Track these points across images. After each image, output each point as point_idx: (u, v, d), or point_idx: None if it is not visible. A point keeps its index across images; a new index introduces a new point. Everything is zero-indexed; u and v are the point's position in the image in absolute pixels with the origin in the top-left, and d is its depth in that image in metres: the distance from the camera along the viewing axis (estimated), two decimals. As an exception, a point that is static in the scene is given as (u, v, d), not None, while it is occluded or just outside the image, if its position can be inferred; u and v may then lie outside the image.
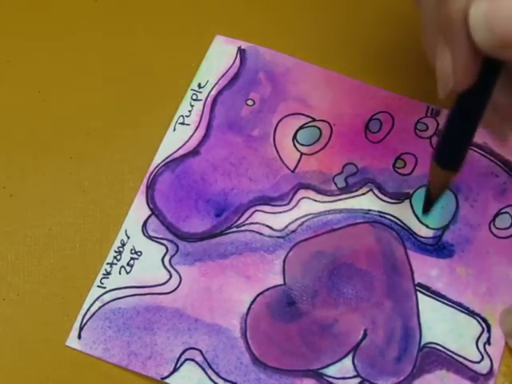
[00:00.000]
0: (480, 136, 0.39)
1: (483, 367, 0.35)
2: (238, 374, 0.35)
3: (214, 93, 0.41)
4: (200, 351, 0.35)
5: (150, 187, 0.39)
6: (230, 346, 0.35)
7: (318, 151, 0.39)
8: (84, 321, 0.36)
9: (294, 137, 0.40)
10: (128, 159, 0.39)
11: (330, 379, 0.35)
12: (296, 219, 0.38)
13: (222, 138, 0.40)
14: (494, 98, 0.29)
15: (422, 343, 0.36)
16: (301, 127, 0.40)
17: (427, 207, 0.36)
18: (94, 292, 0.36)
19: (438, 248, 0.37)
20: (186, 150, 0.39)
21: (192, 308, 0.36)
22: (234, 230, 0.38)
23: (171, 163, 0.39)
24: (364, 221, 0.38)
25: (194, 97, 0.40)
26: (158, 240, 0.37)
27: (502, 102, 0.31)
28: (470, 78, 0.28)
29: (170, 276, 0.37)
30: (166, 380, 0.35)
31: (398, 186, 0.39)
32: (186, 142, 0.40)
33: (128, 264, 0.37)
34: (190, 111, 0.40)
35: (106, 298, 0.36)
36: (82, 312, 0.36)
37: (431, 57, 0.30)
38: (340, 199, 0.38)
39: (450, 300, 0.36)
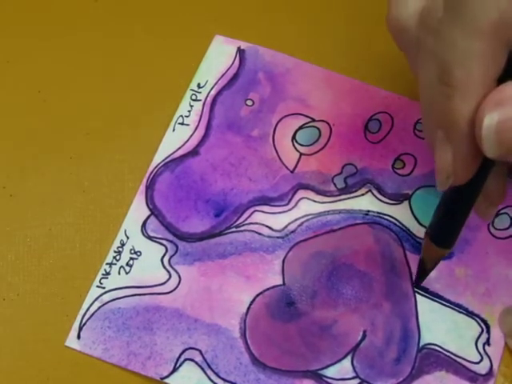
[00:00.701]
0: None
1: (483, 368, 0.35)
2: (237, 374, 0.35)
3: (213, 93, 0.41)
4: (199, 351, 0.35)
5: (150, 187, 0.39)
6: (229, 346, 0.36)
7: (318, 151, 0.39)
8: (83, 321, 0.36)
9: (294, 137, 0.40)
10: (128, 159, 0.39)
11: (329, 380, 0.35)
12: (295, 219, 0.38)
13: (222, 138, 0.40)
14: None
15: (421, 344, 0.36)
16: (300, 127, 0.40)
17: (420, 279, 0.36)
18: (94, 292, 0.37)
19: (437, 249, 0.37)
20: (185, 150, 0.39)
21: (191, 308, 0.36)
22: (234, 230, 0.38)
23: (171, 163, 0.39)
24: (363, 222, 0.38)
25: (194, 97, 0.40)
26: (158, 240, 0.38)
27: (489, 187, 0.32)
28: (470, 174, 0.28)
29: (170, 276, 0.37)
30: (166, 380, 0.35)
31: (397, 186, 0.38)
32: (186, 142, 0.40)
33: (127, 264, 0.37)
34: (189, 111, 0.40)
35: (106, 298, 0.36)
36: (82, 312, 0.36)
37: (429, 141, 0.29)
38: (339, 200, 0.38)
39: (448, 301, 0.36)
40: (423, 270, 0.36)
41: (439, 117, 0.28)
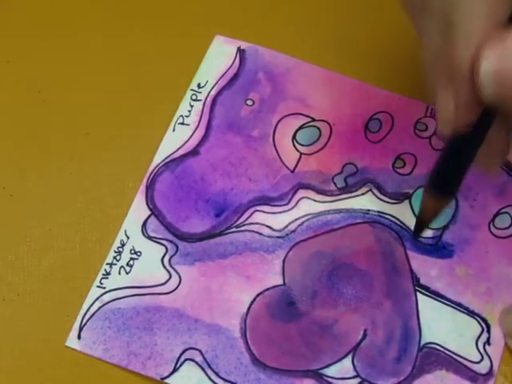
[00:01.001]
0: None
1: (483, 367, 0.35)
2: (237, 374, 0.35)
3: (213, 93, 0.41)
4: (200, 351, 0.35)
5: (150, 187, 0.39)
6: (229, 346, 0.35)
7: (318, 151, 0.39)
8: (84, 321, 0.36)
9: (294, 137, 0.40)
10: (128, 159, 0.39)
11: (330, 379, 0.35)
12: (296, 219, 0.38)
13: (222, 138, 0.40)
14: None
15: (422, 343, 0.36)
16: (300, 127, 0.40)
17: (418, 231, 0.36)
18: (94, 292, 0.36)
19: (438, 248, 0.37)
20: (185, 150, 0.39)
21: (192, 308, 0.36)
22: (234, 230, 0.38)
23: (171, 163, 0.39)
24: (364, 221, 0.38)
25: (194, 97, 0.40)
26: (158, 240, 0.37)
27: (492, 136, 0.32)
28: (471, 121, 0.28)
29: (170, 276, 0.37)
30: (166, 380, 0.35)
31: (397, 185, 0.39)
32: (186, 142, 0.40)
33: (128, 264, 0.37)
34: (189, 111, 0.40)
35: (106, 298, 0.36)
36: (82, 312, 0.36)
37: (431, 90, 0.30)
38: (340, 199, 0.38)
39: (449, 300, 0.36)
40: (422, 223, 0.36)
41: (442, 67, 0.28)
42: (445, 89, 0.29)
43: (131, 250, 0.37)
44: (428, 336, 0.36)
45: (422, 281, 0.37)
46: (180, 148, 0.39)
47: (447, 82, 0.28)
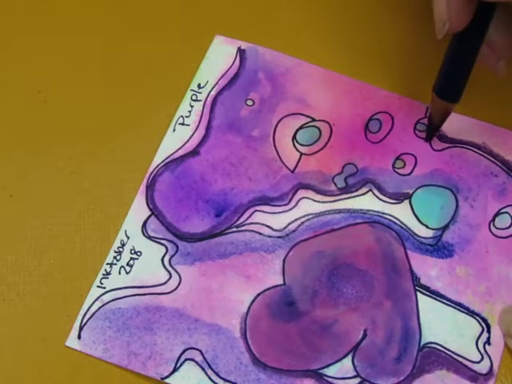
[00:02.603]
0: (479, 136, 0.39)
1: (483, 367, 0.35)
2: (237, 374, 0.35)
3: (213, 93, 0.41)
4: (200, 351, 0.35)
5: (150, 187, 0.39)
6: (229, 346, 0.36)
7: (318, 151, 0.39)
8: (84, 321, 0.36)
9: (294, 137, 0.40)
10: (128, 159, 0.39)
11: (330, 379, 0.35)
12: (296, 219, 0.38)
13: (222, 139, 0.40)
14: (489, 34, 0.31)
15: (422, 343, 0.36)
16: (300, 127, 0.40)
17: (430, 135, 0.39)
18: (94, 292, 0.36)
19: (438, 248, 0.37)
20: (185, 151, 0.39)
21: (192, 308, 0.36)
22: (234, 229, 0.38)
23: (171, 163, 0.39)
24: (364, 221, 0.38)
25: (194, 97, 0.40)
26: (158, 240, 0.38)
27: (497, 39, 0.33)
28: (465, 21, 0.30)
29: (170, 276, 0.37)
30: (166, 380, 0.35)
31: (397, 186, 0.39)
32: (186, 142, 0.40)
33: (128, 264, 0.37)
34: (189, 111, 0.40)
35: (106, 298, 0.36)
36: (82, 312, 0.36)
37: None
38: (340, 199, 0.38)
39: (449, 300, 0.36)
40: (432, 127, 0.38)
41: None
42: None
43: (131, 250, 0.37)
44: (428, 336, 0.36)
45: (422, 281, 0.37)
46: (180, 148, 0.39)
47: None
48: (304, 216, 0.38)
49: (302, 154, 0.39)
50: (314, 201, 0.38)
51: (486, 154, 0.39)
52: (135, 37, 0.42)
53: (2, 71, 0.42)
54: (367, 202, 0.38)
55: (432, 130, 0.38)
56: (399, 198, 0.38)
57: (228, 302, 0.36)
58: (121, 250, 0.37)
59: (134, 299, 0.36)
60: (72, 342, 0.36)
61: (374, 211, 0.38)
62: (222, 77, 0.41)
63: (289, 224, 0.38)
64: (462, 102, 0.36)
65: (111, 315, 0.36)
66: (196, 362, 0.35)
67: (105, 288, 0.37)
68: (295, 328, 0.36)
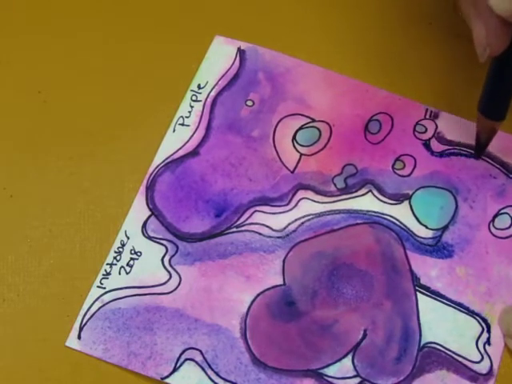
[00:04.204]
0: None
1: (483, 367, 0.35)
2: (237, 374, 0.35)
3: (213, 93, 0.41)
4: (200, 351, 0.35)
5: (150, 188, 0.39)
6: (229, 346, 0.36)
7: (318, 152, 0.39)
8: (84, 321, 0.36)
9: (294, 137, 0.40)
10: (128, 159, 0.39)
11: (330, 379, 0.35)
12: (295, 219, 0.38)
13: (222, 139, 0.40)
14: None
15: (422, 343, 0.36)
16: (300, 128, 0.40)
17: (478, 153, 0.39)
18: (94, 292, 0.36)
19: (438, 248, 0.37)
20: (185, 151, 0.39)
21: (192, 308, 0.36)
22: (234, 230, 0.38)
23: (171, 164, 0.39)
24: (363, 221, 0.38)
25: (194, 98, 0.40)
26: (158, 240, 0.38)
27: None
28: (504, 44, 0.31)
29: (170, 276, 0.37)
30: (166, 380, 0.35)
31: (397, 187, 0.39)
32: (186, 142, 0.40)
33: (128, 264, 0.37)
34: (189, 112, 0.40)
35: (106, 298, 0.36)
36: (82, 312, 0.36)
37: (468, 24, 0.34)
38: (339, 200, 0.38)
39: (449, 300, 0.36)
40: (480, 145, 0.38)
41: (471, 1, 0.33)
42: (476, 20, 0.32)
43: (131, 250, 0.37)
44: (428, 336, 0.36)
45: (422, 281, 0.37)
46: (180, 149, 0.39)
47: (476, 12, 0.32)
48: (304, 216, 0.38)
49: (301, 154, 0.39)
50: (314, 201, 0.38)
51: (484, 157, 0.39)
52: (135, 37, 0.42)
53: (1, 71, 0.42)
54: (367, 202, 0.38)
55: (480, 148, 0.39)
56: (399, 198, 0.38)
57: (228, 302, 0.36)
58: (121, 250, 0.37)
59: (134, 299, 0.36)
60: (72, 342, 0.36)
61: (374, 212, 0.38)
62: (222, 77, 0.41)
63: (289, 224, 0.38)
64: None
65: (111, 315, 0.36)
66: (196, 362, 0.35)
67: (105, 288, 0.37)
68: (295, 328, 0.36)
